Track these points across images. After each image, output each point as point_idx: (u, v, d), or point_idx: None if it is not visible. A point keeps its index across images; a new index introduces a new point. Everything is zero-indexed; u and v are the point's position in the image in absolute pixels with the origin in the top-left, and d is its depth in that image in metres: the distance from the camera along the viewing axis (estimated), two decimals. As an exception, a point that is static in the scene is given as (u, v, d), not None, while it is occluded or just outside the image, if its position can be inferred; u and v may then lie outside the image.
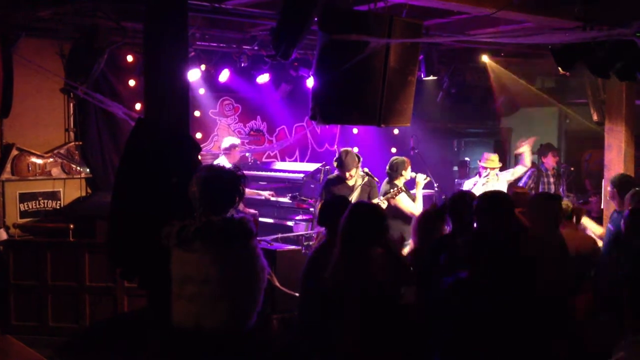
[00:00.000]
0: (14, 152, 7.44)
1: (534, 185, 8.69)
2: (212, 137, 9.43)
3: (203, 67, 7.81)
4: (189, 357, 3.66)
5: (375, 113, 5.29)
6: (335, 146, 10.58)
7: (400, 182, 6.81)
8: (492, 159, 7.73)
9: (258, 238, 4.15)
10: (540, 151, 9.32)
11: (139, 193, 4.23)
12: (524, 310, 3.39)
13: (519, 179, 8.37)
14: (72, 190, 7.89)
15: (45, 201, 7.74)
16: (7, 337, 5.88)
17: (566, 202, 5.46)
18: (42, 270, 6.59)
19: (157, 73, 4.48)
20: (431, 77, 8.21)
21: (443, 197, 7.68)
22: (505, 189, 7.53)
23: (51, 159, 7.73)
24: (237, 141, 8.31)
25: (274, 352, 5.01)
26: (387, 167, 6.92)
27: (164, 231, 3.66)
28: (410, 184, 7.00)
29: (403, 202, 6.69)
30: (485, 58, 8.84)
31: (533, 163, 8.68)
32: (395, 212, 6.56)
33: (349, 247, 3.78)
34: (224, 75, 8.09)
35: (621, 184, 5.76)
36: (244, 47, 7.65)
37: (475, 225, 4.39)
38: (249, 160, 9.45)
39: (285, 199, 8.21)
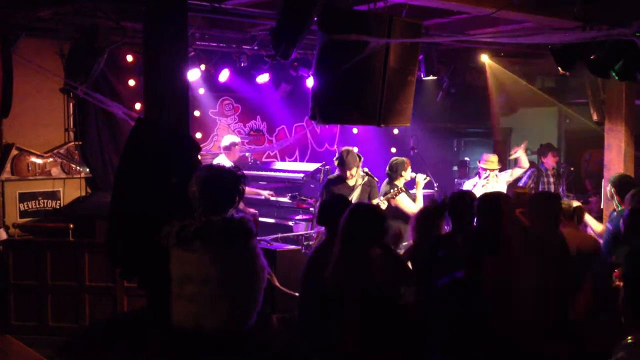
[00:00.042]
0: (14, 152, 7.44)
1: (534, 185, 8.70)
2: (212, 137, 9.43)
3: (203, 67, 7.81)
4: (188, 357, 3.66)
5: (375, 113, 5.28)
6: (335, 146, 10.58)
7: (400, 182, 6.81)
8: (492, 160, 7.73)
9: (258, 238, 4.15)
10: (540, 151, 9.33)
11: (138, 193, 4.23)
12: (520, 310, 3.40)
13: (519, 179, 8.38)
14: (71, 190, 7.89)
15: (45, 201, 7.74)
16: (7, 337, 5.87)
17: (568, 202, 5.47)
18: (42, 270, 6.60)
19: (157, 73, 4.48)
20: (431, 77, 8.21)
21: (440, 191, 7.70)
22: (504, 190, 7.54)
23: (51, 159, 7.73)
24: (237, 139, 8.29)
25: (274, 352, 5.01)
26: (387, 168, 6.92)
27: (163, 231, 3.66)
28: (410, 184, 7.01)
29: (403, 202, 6.70)
30: (485, 58, 8.83)
31: (532, 163, 8.69)
32: (396, 213, 6.56)
33: (348, 247, 3.78)
34: (224, 75, 8.09)
35: (620, 184, 5.76)
36: (244, 47, 7.64)
37: (475, 225, 4.40)
38: (249, 160, 9.44)
39: (285, 199, 8.21)
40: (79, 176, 7.89)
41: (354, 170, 6.73)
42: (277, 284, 5.69)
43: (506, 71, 9.33)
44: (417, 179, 6.86)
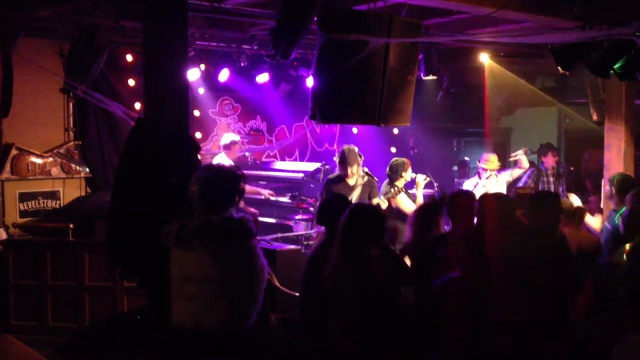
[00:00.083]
0: (14, 152, 7.44)
1: (534, 184, 8.69)
2: (211, 137, 9.42)
3: (203, 66, 7.81)
4: (188, 357, 3.65)
5: (375, 112, 5.28)
6: (335, 146, 10.58)
7: (400, 183, 6.81)
8: (491, 160, 7.74)
9: (258, 238, 4.15)
10: (540, 151, 9.32)
11: (138, 193, 4.23)
12: (520, 310, 3.40)
13: (518, 179, 8.39)
14: (71, 190, 7.89)
15: (45, 201, 7.74)
16: (6, 336, 5.87)
17: (569, 202, 5.47)
18: (42, 270, 6.60)
19: (156, 73, 4.48)
20: (431, 77, 8.19)
21: (440, 191, 7.69)
22: (504, 190, 7.54)
23: (51, 159, 7.73)
24: (236, 137, 8.27)
25: (273, 352, 5.00)
26: (387, 169, 6.92)
27: (163, 230, 3.66)
28: (410, 185, 7.00)
29: (403, 202, 6.70)
30: (484, 58, 8.83)
31: (532, 163, 8.70)
32: (396, 213, 6.56)
33: (348, 247, 3.78)
34: (224, 75, 8.08)
35: (619, 184, 5.77)
36: (244, 46, 7.64)
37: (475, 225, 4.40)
38: (249, 159, 9.43)
39: (285, 199, 8.21)
40: (78, 176, 7.89)
41: (354, 168, 6.73)
42: (277, 283, 5.69)
43: (506, 71, 9.32)
44: (417, 180, 6.86)
